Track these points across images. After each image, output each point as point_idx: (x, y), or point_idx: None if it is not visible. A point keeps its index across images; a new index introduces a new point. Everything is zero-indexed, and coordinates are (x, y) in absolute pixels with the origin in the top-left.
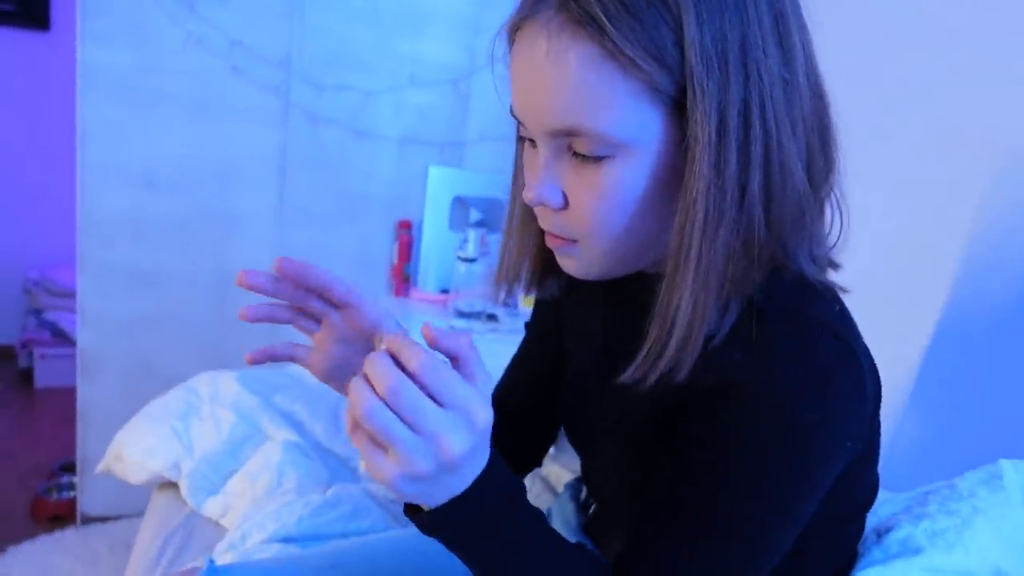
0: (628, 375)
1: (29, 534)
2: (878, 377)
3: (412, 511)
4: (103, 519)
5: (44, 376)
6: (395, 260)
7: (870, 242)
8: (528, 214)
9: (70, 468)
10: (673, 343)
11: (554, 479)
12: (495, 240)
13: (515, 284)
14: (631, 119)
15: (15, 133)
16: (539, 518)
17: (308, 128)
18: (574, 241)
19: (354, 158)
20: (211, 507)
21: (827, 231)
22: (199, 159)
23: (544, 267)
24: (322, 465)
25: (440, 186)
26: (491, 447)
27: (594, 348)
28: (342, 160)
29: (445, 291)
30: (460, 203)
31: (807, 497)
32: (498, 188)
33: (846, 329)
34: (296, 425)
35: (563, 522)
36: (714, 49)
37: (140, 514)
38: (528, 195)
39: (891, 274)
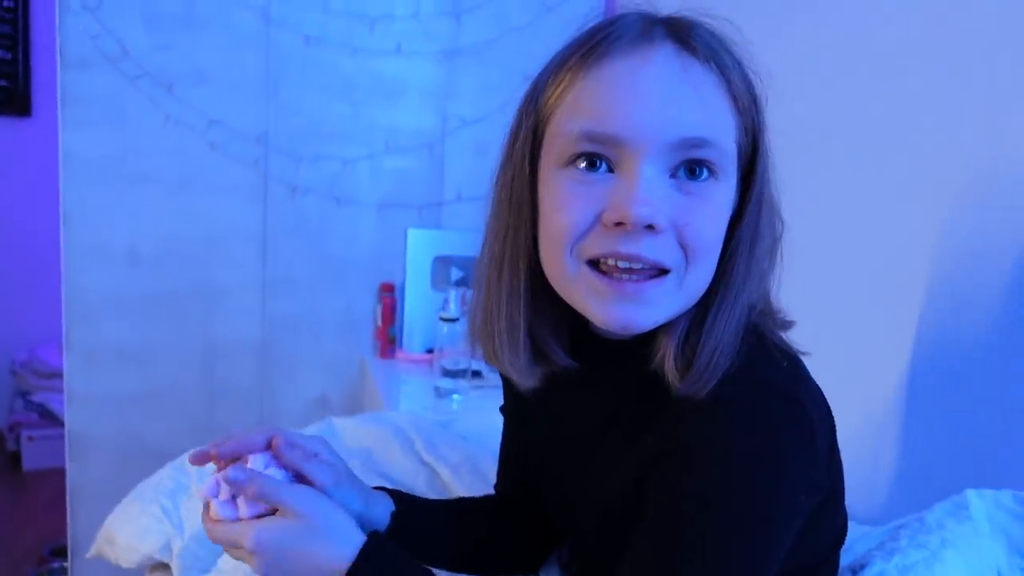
0: (685, 388)
1: None
2: (832, 425)
3: None
4: None
5: (33, 459)
6: (379, 322)
7: (838, 274)
8: (517, 277)
9: (61, 553)
10: (721, 358)
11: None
12: None
13: (507, 353)
14: (733, 148)
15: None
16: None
17: (288, 199)
18: (662, 273)
19: (335, 225)
20: None
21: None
22: (182, 235)
23: (537, 345)
24: None
25: (420, 247)
26: (369, 536)
27: (562, 430)
28: (323, 227)
29: (430, 351)
30: (441, 263)
31: (769, 555)
32: (477, 247)
33: (794, 384)
34: None
35: None
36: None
37: None
38: (632, 209)
39: (861, 306)
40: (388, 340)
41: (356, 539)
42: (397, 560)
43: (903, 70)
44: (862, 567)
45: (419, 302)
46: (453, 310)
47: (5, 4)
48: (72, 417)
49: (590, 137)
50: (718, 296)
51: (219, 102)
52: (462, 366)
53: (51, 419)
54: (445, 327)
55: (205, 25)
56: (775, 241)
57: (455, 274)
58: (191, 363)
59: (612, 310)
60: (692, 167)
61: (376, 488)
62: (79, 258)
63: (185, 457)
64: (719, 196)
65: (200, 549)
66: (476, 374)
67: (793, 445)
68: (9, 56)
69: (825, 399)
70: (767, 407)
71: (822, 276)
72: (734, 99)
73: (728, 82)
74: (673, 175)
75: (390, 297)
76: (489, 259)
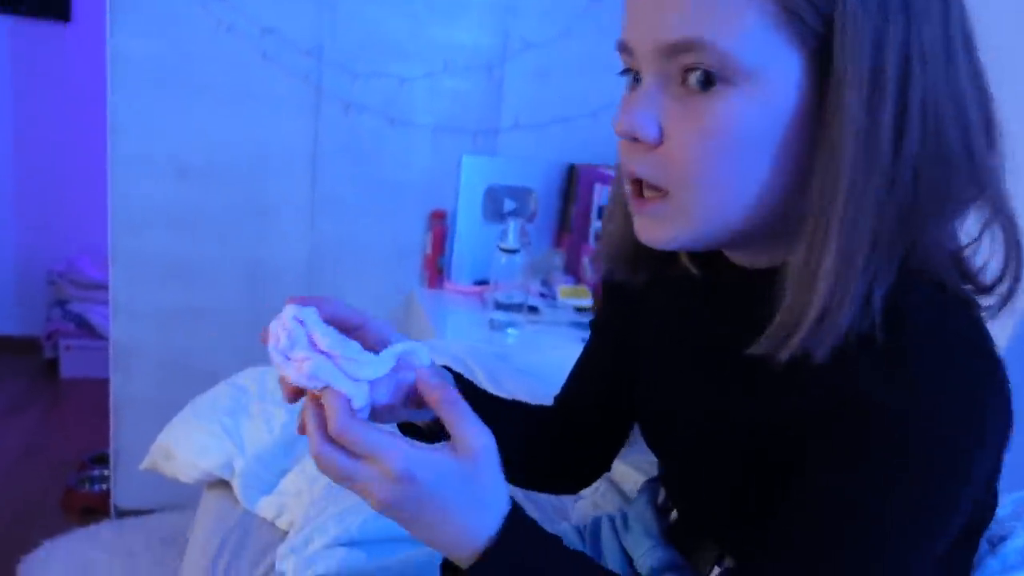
0: (758, 347)
1: (61, 527)
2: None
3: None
4: (137, 512)
5: (70, 367)
6: (429, 251)
7: None
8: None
9: (101, 460)
10: (813, 311)
11: (620, 478)
12: (534, 230)
13: (617, 262)
14: (761, 43)
15: (38, 124)
16: (589, 565)
17: (341, 116)
18: (663, 194)
19: (388, 146)
20: (265, 507)
21: (974, 247)
22: (231, 148)
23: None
24: None
25: (474, 175)
26: (511, 503)
27: (685, 349)
28: (376, 149)
29: (479, 283)
30: (494, 192)
31: (950, 529)
32: (531, 178)
33: (988, 342)
34: None
35: (643, 529)
36: None
37: (175, 507)
38: (617, 124)
39: None
40: (437, 270)
41: (501, 506)
42: (541, 543)
43: None
44: (1002, 539)
45: (470, 232)
46: (512, 240)
47: None
48: (117, 329)
49: (617, 45)
50: (811, 232)
51: (273, 10)
52: (517, 300)
53: (88, 330)
54: (504, 258)
55: None
56: (921, 159)
57: (508, 205)
58: (236, 282)
59: (636, 224)
60: (689, 75)
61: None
62: (125, 168)
63: (242, 375)
64: (728, 105)
65: (262, 470)
66: (532, 309)
67: (995, 412)
68: None
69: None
70: (969, 365)
71: None
72: None
73: None
74: (683, 83)
75: (441, 225)
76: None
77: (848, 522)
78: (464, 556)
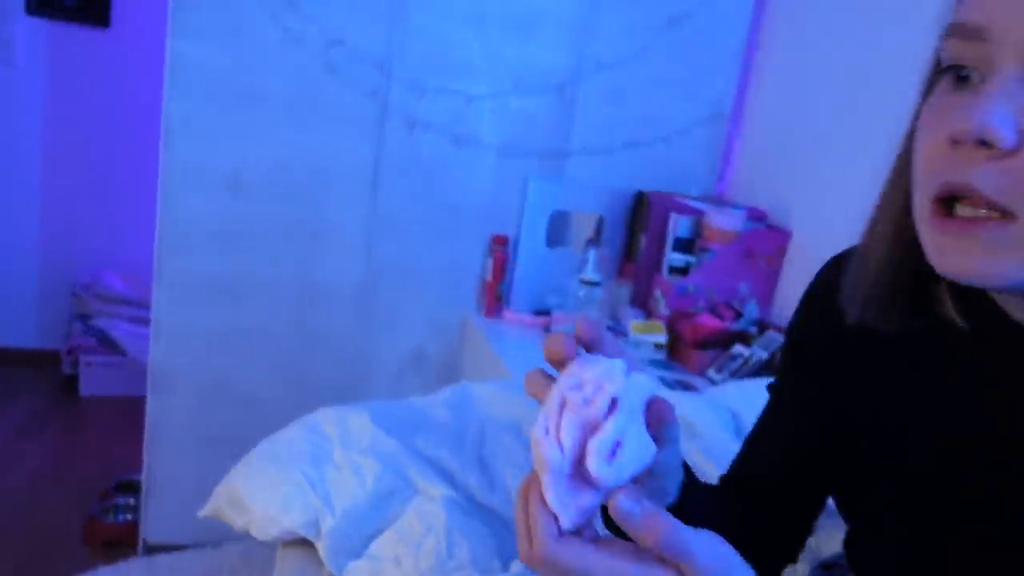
0: None
1: (83, 559)
2: None
3: None
4: (166, 547)
5: (90, 384)
6: (488, 277)
7: None
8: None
9: (126, 488)
10: None
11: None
12: (604, 260)
13: (870, 303)
14: None
15: (69, 132)
16: None
17: (404, 133)
18: (1006, 216)
19: (451, 167)
20: (354, 573)
21: None
22: (289, 163)
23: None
24: (485, 527)
25: (539, 199)
26: None
27: (947, 419)
28: (439, 168)
29: (538, 312)
30: (559, 218)
31: None
32: (598, 204)
33: None
34: (447, 476)
35: None
36: None
37: (208, 543)
38: (964, 124)
39: None
40: (496, 297)
41: None
42: None
43: None
44: None
45: (533, 259)
46: (592, 272)
47: None
48: (156, 350)
49: (952, 31)
50: None
51: (343, 21)
52: None
53: (110, 345)
54: (582, 290)
55: None
56: None
57: (573, 231)
58: (285, 303)
59: (938, 254)
60: None
61: None
62: (177, 180)
63: (317, 417)
64: None
65: (352, 530)
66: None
67: None
68: None
69: None
70: None
71: None
72: None
73: None
74: None
75: (502, 251)
76: (886, 183)
77: None
78: None
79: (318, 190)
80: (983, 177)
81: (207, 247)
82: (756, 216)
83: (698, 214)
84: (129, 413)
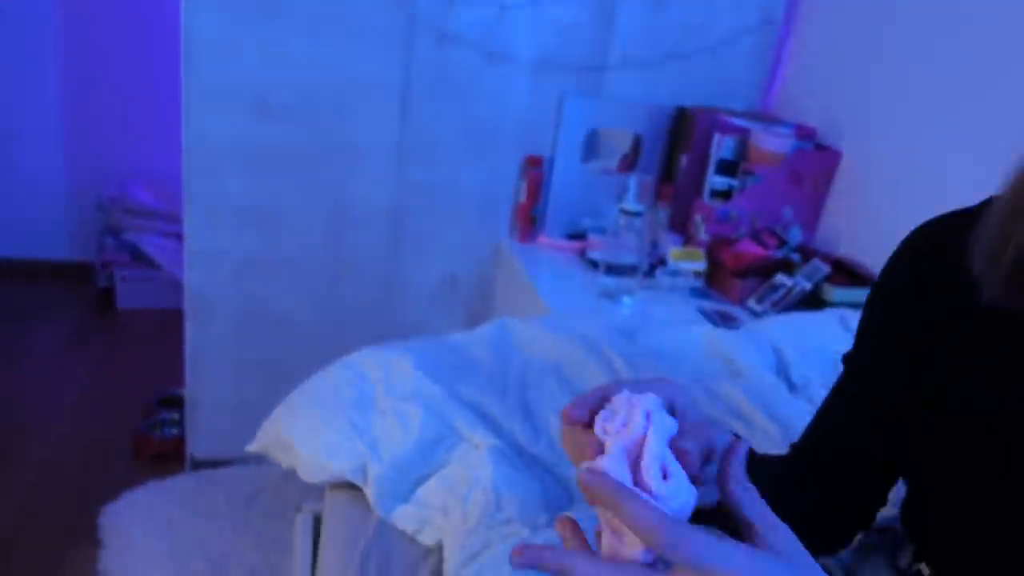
0: None
1: (133, 472)
2: None
3: None
4: (212, 463)
5: (127, 298)
6: (522, 200)
7: None
8: None
9: (170, 403)
10: None
11: None
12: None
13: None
14: None
15: (90, 43)
16: None
17: (435, 49)
18: None
19: (483, 84)
20: (403, 518)
21: None
22: (314, 83)
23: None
24: (532, 480)
25: (576, 118)
26: None
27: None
28: (470, 86)
29: (573, 236)
30: (597, 137)
31: None
32: (640, 122)
33: None
34: (491, 424)
35: None
36: None
37: (252, 460)
38: None
39: None
40: (530, 221)
41: None
42: None
43: None
44: None
45: (568, 180)
46: (633, 202)
47: None
48: (192, 275)
49: None
50: None
51: None
52: (629, 260)
53: (143, 260)
54: (623, 220)
55: None
56: None
57: (613, 152)
58: (317, 228)
59: None
60: None
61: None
62: (201, 102)
63: (361, 359)
64: None
65: (399, 477)
66: (649, 271)
67: None
68: None
69: None
70: None
71: None
72: None
73: None
74: None
75: (536, 171)
76: None
77: None
78: None
79: (346, 111)
80: None
81: (234, 170)
82: (805, 134)
83: (744, 133)
84: (167, 325)
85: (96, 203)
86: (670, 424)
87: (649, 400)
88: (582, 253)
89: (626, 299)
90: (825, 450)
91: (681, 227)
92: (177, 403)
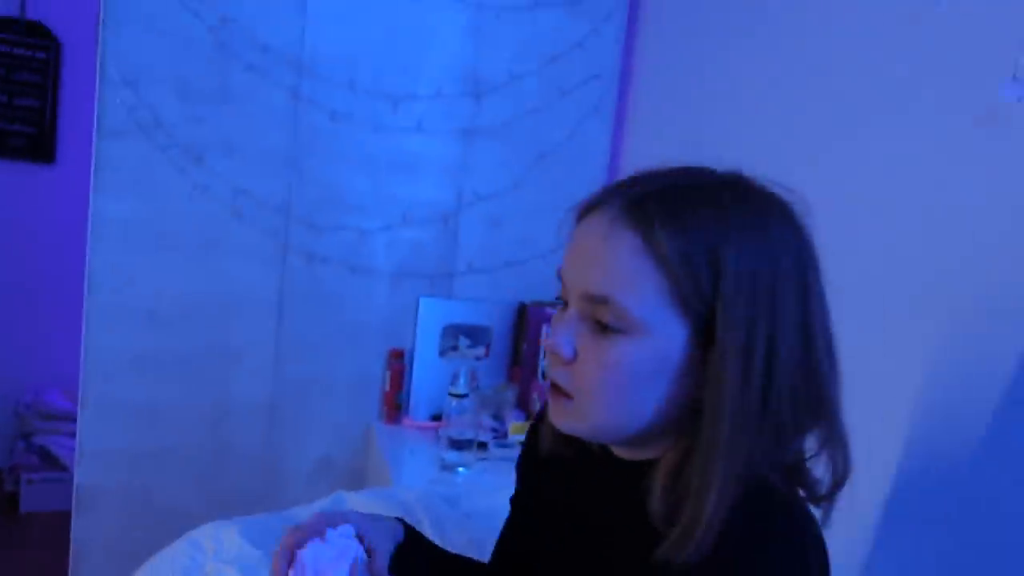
0: (662, 552)
1: None
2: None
3: None
4: None
5: (31, 501)
6: (387, 388)
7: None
8: None
9: None
10: (702, 528)
11: None
12: (486, 367)
13: (554, 439)
14: (651, 306)
15: (16, 260)
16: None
17: (305, 266)
18: (570, 397)
19: (349, 292)
20: None
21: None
22: (201, 297)
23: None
24: None
25: (431, 315)
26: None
27: (568, 522)
28: (338, 294)
29: (436, 417)
30: (450, 331)
31: None
32: (486, 316)
33: (800, 527)
34: None
35: None
36: (747, 281)
37: None
38: (547, 340)
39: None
40: (395, 406)
41: None
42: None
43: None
44: None
45: (427, 369)
46: (462, 386)
47: (38, 56)
48: (81, 470)
49: (557, 275)
50: (696, 454)
51: (245, 173)
52: (468, 436)
53: (52, 462)
54: (454, 402)
55: (237, 100)
56: (778, 415)
57: (463, 342)
58: (202, 422)
59: (550, 410)
60: (598, 319)
61: (396, 518)
62: (101, 317)
63: (199, 533)
64: (620, 347)
65: None
66: (482, 445)
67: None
68: (37, 104)
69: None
70: (789, 531)
71: None
72: (666, 268)
73: (658, 252)
74: (595, 323)
75: (399, 363)
76: None
77: None
78: None
79: (229, 318)
80: (557, 374)
81: (128, 374)
82: None
83: None
84: (69, 527)
85: (13, 409)
86: (356, 549)
87: (342, 530)
88: (437, 432)
89: (461, 470)
90: (501, 569)
91: (524, 404)
92: None
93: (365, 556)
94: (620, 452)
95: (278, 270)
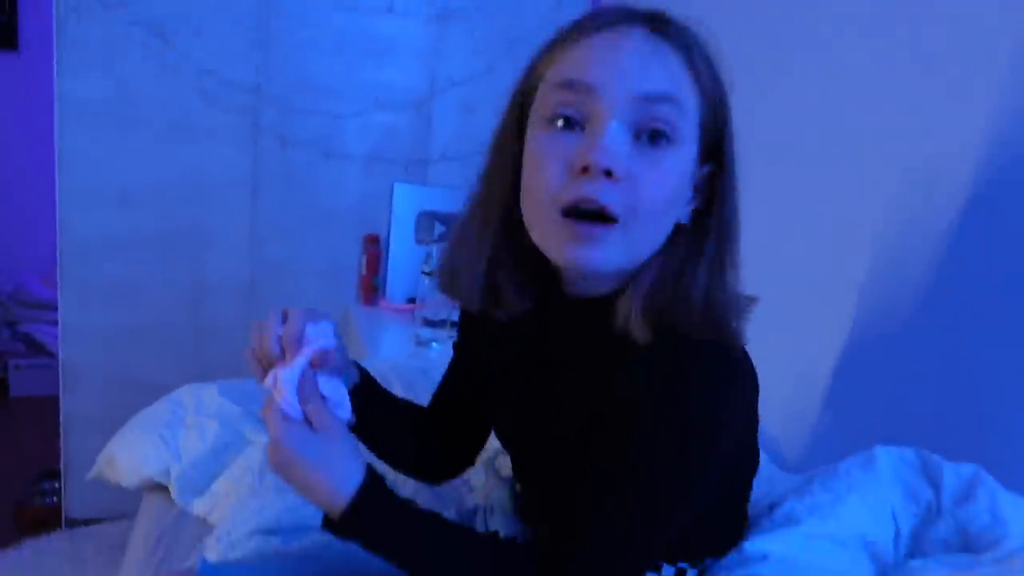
0: (652, 342)
1: (15, 541)
2: (757, 385)
3: (327, 525)
4: (87, 522)
5: (20, 386)
6: (364, 272)
7: (786, 251)
8: (489, 223)
9: (51, 475)
10: (688, 322)
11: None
12: None
13: (472, 292)
14: (691, 118)
15: None
16: (431, 514)
17: (278, 150)
18: (612, 221)
19: (323, 177)
20: (198, 506)
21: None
22: (172, 179)
23: (494, 280)
24: None
25: (405, 202)
26: (368, 470)
27: (523, 365)
28: (311, 179)
29: (411, 300)
30: (425, 217)
31: (708, 479)
32: (459, 203)
33: (733, 354)
34: None
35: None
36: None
37: (124, 516)
38: (590, 156)
39: (804, 281)
40: (372, 289)
41: (354, 479)
42: (390, 507)
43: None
44: (776, 505)
45: (403, 254)
46: (434, 265)
47: None
48: (66, 349)
49: (568, 84)
50: (691, 265)
51: (212, 53)
52: (442, 316)
53: (37, 349)
54: (427, 280)
55: None
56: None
57: (438, 229)
58: (180, 301)
59: (568, 249)
60: (652, 134)
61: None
62: (73, 199)
63: (180, 392)
64: (673, 161)
65: (196, 474)
66: (455, 324)
67: (732, 402)
68: None
69: (754, 370)
70: (712, 369)
71: (770, 258)
72: (700, 87)
73: (696, 71)
74: (637, 137)
75: (375, 248)
76: (470, 201)
77: (628, 474)
78: (335, 511)
79: (202, 201)
80: (610, 194)
81: (105, 255)
82: None
83: None
84: (57, 410)
85: None
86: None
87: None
88: (413, 313)
89: (435, 345)
90: (440, 407)
91: None
92: (57, 474)
93: (337, 344)
94: (584, 289)
95: (251, 153)
